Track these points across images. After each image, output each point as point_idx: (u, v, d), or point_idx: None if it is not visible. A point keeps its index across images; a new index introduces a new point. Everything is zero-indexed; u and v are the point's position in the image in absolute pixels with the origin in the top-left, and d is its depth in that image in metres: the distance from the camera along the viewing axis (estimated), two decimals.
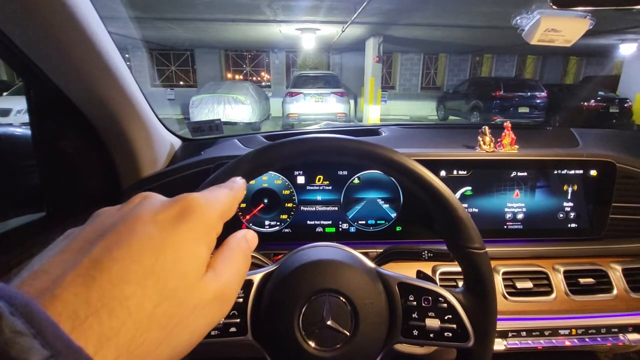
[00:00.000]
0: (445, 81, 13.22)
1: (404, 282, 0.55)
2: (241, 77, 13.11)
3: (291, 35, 9.12)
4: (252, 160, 0.51)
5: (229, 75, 13.07)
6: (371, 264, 0.58)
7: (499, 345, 0.84)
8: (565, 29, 0.86)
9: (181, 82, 12.94)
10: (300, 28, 8.26)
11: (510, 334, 0.86)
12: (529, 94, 9.22)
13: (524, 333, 0.86)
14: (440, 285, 0.55)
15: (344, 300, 0.51)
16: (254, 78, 13.18)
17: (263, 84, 12.88)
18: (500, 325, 0.86)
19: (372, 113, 9.91)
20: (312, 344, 0.50)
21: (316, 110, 8.61)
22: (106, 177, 0.90)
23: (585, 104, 8.90)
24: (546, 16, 0.84)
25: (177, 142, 1.14)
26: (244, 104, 8.83)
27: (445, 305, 0.53)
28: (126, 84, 0.78)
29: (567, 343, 0.86)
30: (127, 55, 12.24)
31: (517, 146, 0.94)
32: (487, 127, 0.94)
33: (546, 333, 0.86)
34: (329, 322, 0.50)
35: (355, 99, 11.77)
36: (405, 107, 12.66)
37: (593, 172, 0.93)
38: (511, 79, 11.17)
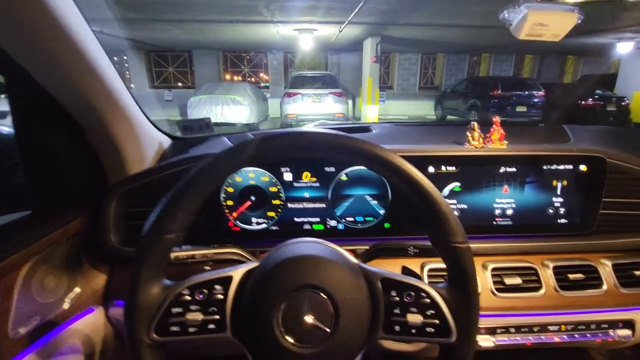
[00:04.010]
0: (443, 81, 13.21)
1: (386, 278, 0.55)
2: (239, 78, 13.09)
3: (289, 36, 9.11)
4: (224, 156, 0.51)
5: (227, 77, 13.06)
6: (354, 260, 0.57)
7: (488, 341, 0.84)
8: (552, 23, 0.85)
9: (179, 84, 12.92)
10: (297, 28, 8.25)
11: (499, 331, 0.85)
12: (526, 93, 9.22)
13: (513, 329, 0.85)
14: (429, 282, 0.55)
15: (324, 296, 0.51)
16: (252, 79, 13.16)
17: (261, 84, 12.86)
18: (489, 322, 0.85)
19: (370, 113, 9.91)
20: (291, 340, 0.49)
21: (314, 110, 8.59)
22: (92, 174, 0.89)
23: (583, 102, 8.91)
24: (534, 10, 0.83)
25: (167, 141, 1.13)
26: (242, 105, 8.82)
27: (428, 300, 0.53)
28: (111, 82, 0.77)
29: (557, 339, 0.85)
30: (125, 57, 12.24)
31: (506, 142, 0.94)
32: (475, 123, 0.94)
33: (535, 329, 0.85)
34: (308, 319, 0.50)
35: (354, 99, 11.75)
36: (403, 107, 12.66)
37: (583, 168, 0.92)
38: (509, 78, 11.18)
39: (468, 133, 0.94)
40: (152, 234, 0.50)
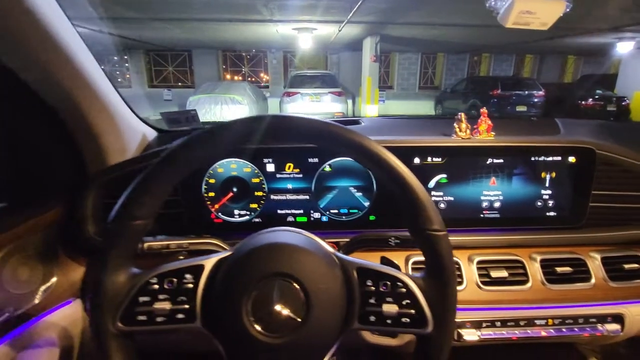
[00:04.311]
0: (443, 81, 13.19)
1: (362, 267, 0.53)
2: (239, 77, 13.09)
3: (288, 35, 9.10)
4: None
5: (227, 76, 13.06)
6: (329, 249, 0.55)
7: (472, 335, 0.82)
8: (540, 11, 0.84)
9: (179, 83, 12.92)
10: (297, 28, 8.24)
11: (484, 324, 0.83)
12: (526, 92, 9.20)
13: (499, 323, 0.83)
14: (404, 272, 0.53)
15: (296, 285, 0.49)
16: (252, 78, 13.15)
17: (261, 84, 12.86)
18: (474, 315, 0.83)
19: (370, 112, 9.89)
20: (260, 329, 0.48)
21: (313, 110, 8.58)
22: (72, 165, 0.88)
23: (583, 102, 8.90)
24: None
25: (152, 133, 1.12)
26: (241, 104, 8.80)
27: (404, 290, 0.51)
28: (88, 72, 0.76)
29: (543, 333, 0.84)
30: (125, 56, 12.26)
31: (493, 133, 0.92)
32: (463, 114, 0.92)
33: (521, 323, 0.84)
34: (278, 307, 0.48)
35: (354, 99, 11.75)
36: (403, 107, 12.65)
37: (572, 159, 0.91)
38: (508, 78, 11.15)
39: (455, 124, 0.92)
40: (118, 220, 0.49)
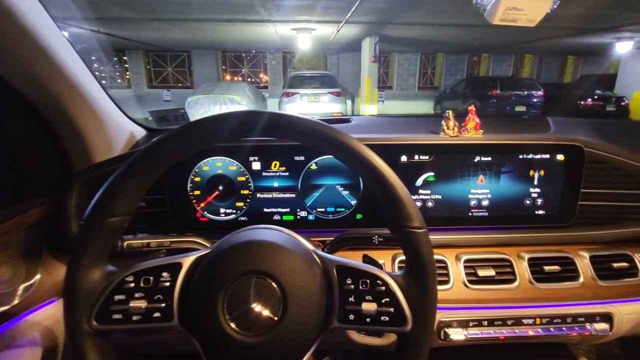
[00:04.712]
0: (443, 81, 13.19)
1: (341, 265, 0.52)
2: (238, 78, 13.09)
3: (287, 36, 9.10)
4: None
5: (227, 77, 13.07)
6: (309, 246, 0.55)
7: (459, 335, 0.81)
8: (527, 7, 0.83)
9: (178, 84, 12.92)
10: (295, 28, 8.24)
11: (471, 324, 0.83)
12: (525, 92, 9.20)
13: (486, 322, 0.83)
14: (384, 271, 0.53)
15: (273, 282, 0.49)
16: (251, 79, 13.16)
17: (260, 84, 12.86)
18: (461, 315, 0.83)
19: (369, 113, 9.88)
20: (236, 327, 0.47)
21: (312, 110, 8.59)
22: (57, 163, 0.87)
23: (582, 102, 8.89)
24: None
25: (141, 132, 1.11)
26: (240, 105, 8.80)
27: (383, 288, 0.50)
28: (70, 70, 0.75)
29: (531, 333, 0.83)
30: (124, 57, 12.27)
31: (481, 131, 0.92)
32: (450, 112, 0.92)
33: (509, 322, 0.83)
34: (254, 306, 0.47)
35: (353, 99, 11.75)
36: (402, 107, 12.65)
37: (560, 157, 0.90)
38: (508, 78, 11.15)
39: (443, 122, 0.92)
40: (93, 217, 0.48)
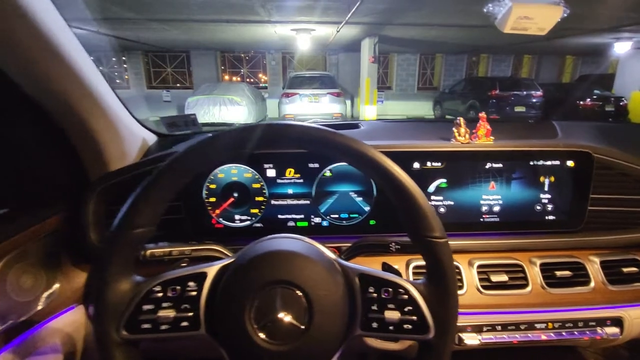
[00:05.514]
0: (442, 81, 13.21)
1: (364, 274, 0.54)
2: (238, 78, 13.08)
3: (286, 36, 9.10)
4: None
5: (226, 77, 13.05)
6: (331, 256, 0.56)
7: (473, 339, 0.83)
8: (538, 16, 0.85)
9: (177, 84, 12.90)
10: (295, 29, 8.24)
11: (485, 329, 0.84)
12: (524, 93, 9.21)
13: (499, 327, 0.84)
14: (406, 279, 0.54)
15: (298, 292, 0.50)
16: (251, 79, 13.15)
17: (260, 85, 12.85)
18: (475, 320, 0.84)
19: (369, 113, 9.89)
20: (264, 337, 0.48)
21: (312, 110, 8.59)
22: (72, 171, 0.88)
23: (581, 102, 8.92)
24: (518, 3, 0.82)
25: (152, 138, 1.12)
26: (240, 105, 8.81)
27: (405, 296, 0.52)
28: (87, 78, 0.76)
29: (544, 337, 0.84)
30: (123, 58, 12.24)
31: (492, 137, 0.93)
32: (462, 119, 0.93)
33: (522, 327, 0.84)
34: (281, 315, 0.49)
35: (352, 100, 11.76)
36: (401, 107, 12.66)
37: (570, 163, 0.91)
38: (507, 79, 11.17)
39: (454, 129, 0.93)
40: (119, 229, 0.49)
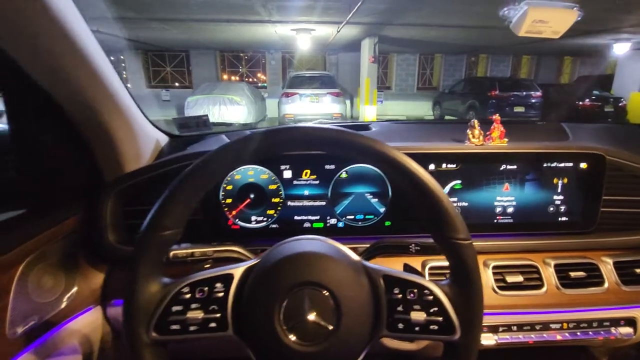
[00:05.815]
0: (441, 81, 13.24)
1: (388, 275, 0.54)
2: (237, 78, 13.07)
3: (286, 36, 9.10)
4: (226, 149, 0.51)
5: (225, 77, 13.04)
6: (355, 257, 0.56)
7: (490, 340, 0.83)
8: (552, 20, 0.85)
9: (177, 84, 12.88)
10: (295, 28, 8.24)
11: (500, 329, 0.85)
12: (524, 93, 9.24)
13: (515, 327, 0.85)
14: (431, 280, 0.54)
15: (326, 293, 0.50)
16: (250, 79, 13.14)
17: (259, 85, 12.84)
18: (491, 320, 0.85)
19: (368, 113, 9.91)
20: (293, 338, 0.49)
21: (312, 110, 8.59)
22: (88, 172, 0.88)
23: (581, 103, 8.96)
24: (534, 7, 0.83)
25: (164, 139, 1.12)
26: (240, 105, 8.81)
27: (430, 297, 0.52)
28: (108, 79, 0.76)
29: (559, 337, 0.85)
30: (122, 57, 12.19)
31: (506, 139, 0.93)
32: (476, 121, 0.94)
33: (537, 327, 0.85)
34: (310, 316, 0.49)
35: (352, 99, 11.77)
36: (401, 107, 12.69)
37: (583, 165, 0.92)
38: (506, 79, 11.22)
39: (468, 131, 0.93)
40: (148, 231, 0.49)
